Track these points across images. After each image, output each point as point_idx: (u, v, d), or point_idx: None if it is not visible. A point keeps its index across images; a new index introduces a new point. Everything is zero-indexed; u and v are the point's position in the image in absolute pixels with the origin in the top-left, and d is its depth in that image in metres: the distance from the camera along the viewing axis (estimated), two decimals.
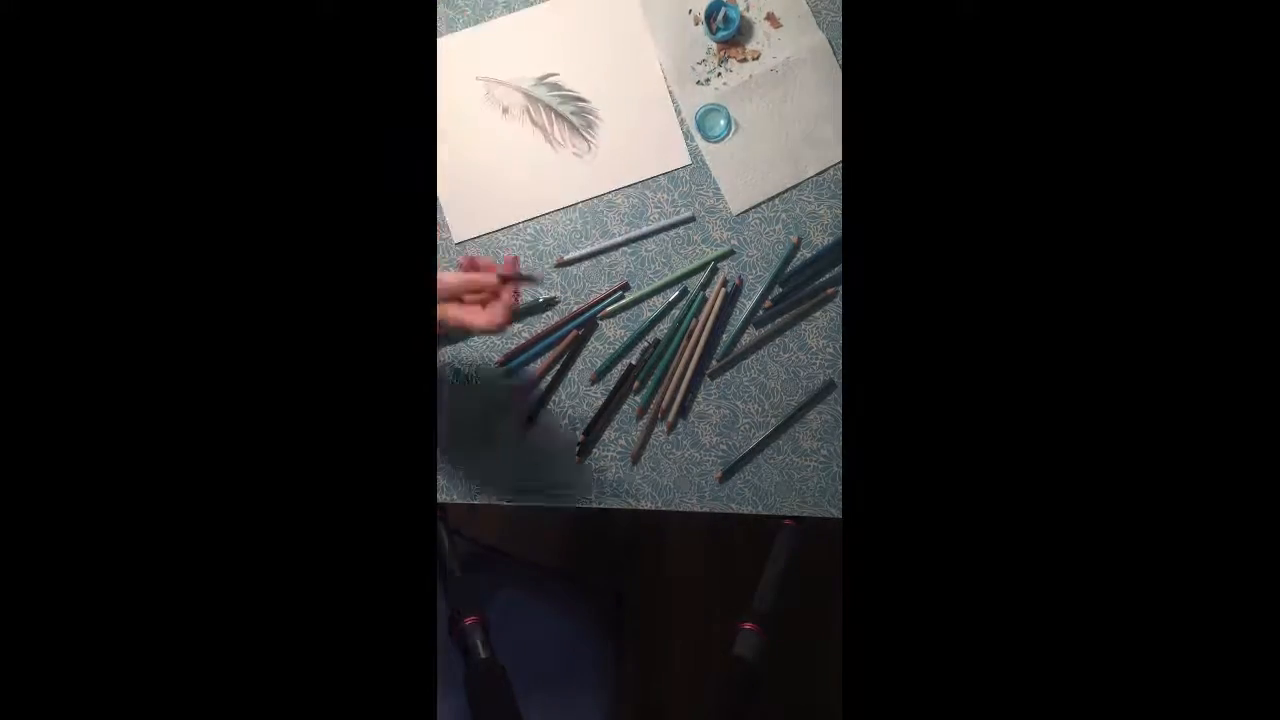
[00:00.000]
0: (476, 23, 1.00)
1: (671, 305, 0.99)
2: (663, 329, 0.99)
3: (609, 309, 0.98)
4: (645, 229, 0.99)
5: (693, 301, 0.98)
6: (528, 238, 0.99)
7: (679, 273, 0.99)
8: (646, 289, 0.99)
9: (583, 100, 0.99)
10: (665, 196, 0.99)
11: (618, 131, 0.99)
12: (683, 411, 0.98)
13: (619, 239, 0.99)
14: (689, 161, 0.99)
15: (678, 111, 0.99)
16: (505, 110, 0.99)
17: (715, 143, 0.99)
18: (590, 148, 0.99)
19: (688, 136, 0.99)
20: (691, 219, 0.99)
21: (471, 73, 1.00)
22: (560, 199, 0.99)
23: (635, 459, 0.98)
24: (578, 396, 0.99)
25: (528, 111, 0.99)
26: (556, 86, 0.99)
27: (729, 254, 0.99)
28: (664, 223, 0.99)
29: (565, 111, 0.99)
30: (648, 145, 0.99)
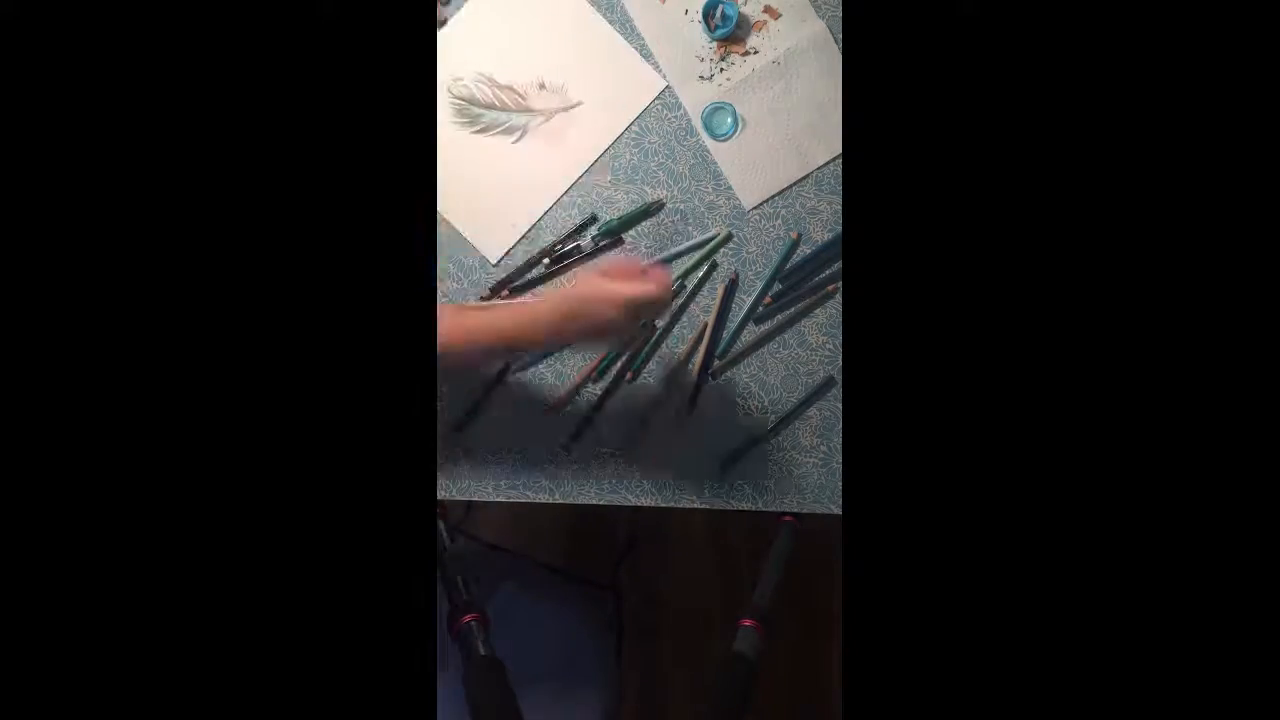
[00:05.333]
0: None
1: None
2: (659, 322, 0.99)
3: None
4: (677, 248, 0.99)
5: (687, 289, 0.98)
6: (564, 217, 0.99)
7: (679, 271, 0.99)
8: None
9: (544, 82, 0.99)
10: (665, 193, 0.99)
11: (587, 86, 0.99)
12: (691, 410, 0.98)
13: (647, 263, 0.98)
14: (665, 84, 0.98)
15: (634, 46, 0.99)
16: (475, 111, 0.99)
17: (723, 140, 0.99)
18: (574, 103, 0.99)
19: (687, 131, 0.99)
20: (730, 237, 0.99)
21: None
22: (568, 170, 0.99)
23: (630, 453, 0.98)
24: (582, 394, 0.99)
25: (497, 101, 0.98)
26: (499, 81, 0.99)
27: (728, 238, 0.99)
28: (697, 239, 0.99)
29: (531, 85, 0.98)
30: (623, 88, 0.99)
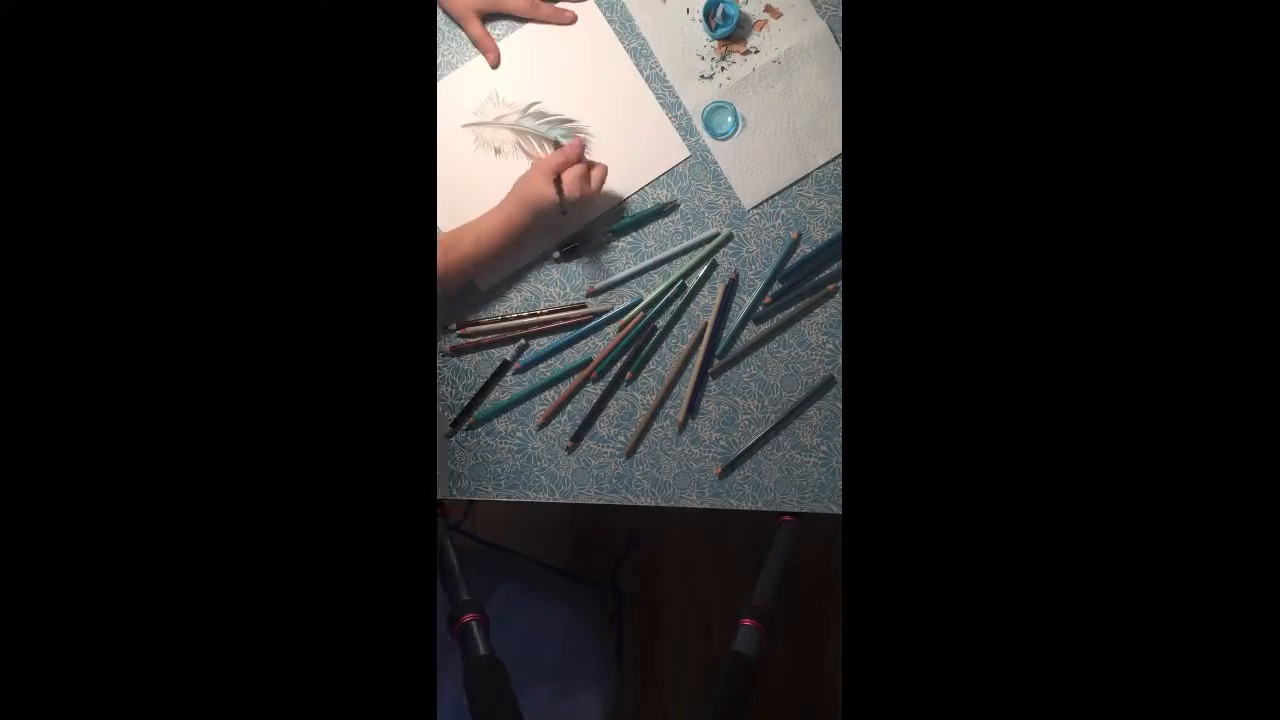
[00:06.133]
0: (445, 71, 0.99)
1: (670, 298, 0.99)
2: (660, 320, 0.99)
3: (626, 321, 0.99)
4: (675, 248, 0.99)
5: (687, 289, 0.98)
6: (556, 269, 0.99)
7: (680, 271, 0.99)
8: (654, 292, 0.98)
9: (570, 120, 0.99)
10: (665, 194, 0.99)
11: (612, 142, 0.99)
12: (691, 410, 0.98)
13: (648, 262, 0.99)
14: (688, 154, 0.99)
15: (666, 109, 0.99)
16: (498, 151, 0.99)
17: (723, 140, 0.98)
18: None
19: (686, 131, 0.99)
20: (730, 237, 0.99)
21: (456, 121, 0.99)
22: (573, 224, 0.99)
23: (630, 452, 0.98)
24: (580, 394, 0.99)
25: (520, 146, 0.98)
26: (542, 114, 0.99)
27: (729, 238, 0.99)
28: (697, 238, 0.99)
29: (556, 136, 0.98)
30: (645, 148, 0.99)
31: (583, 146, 0.93)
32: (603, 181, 0.94)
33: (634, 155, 0.99)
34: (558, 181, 0.91)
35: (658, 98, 0.99)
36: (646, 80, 0.99)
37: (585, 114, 0.99)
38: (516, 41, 0.99)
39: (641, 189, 0.99)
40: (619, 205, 0.99)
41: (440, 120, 0.98)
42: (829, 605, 1.66)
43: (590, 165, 0.93)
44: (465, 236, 0.93)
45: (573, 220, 0.97)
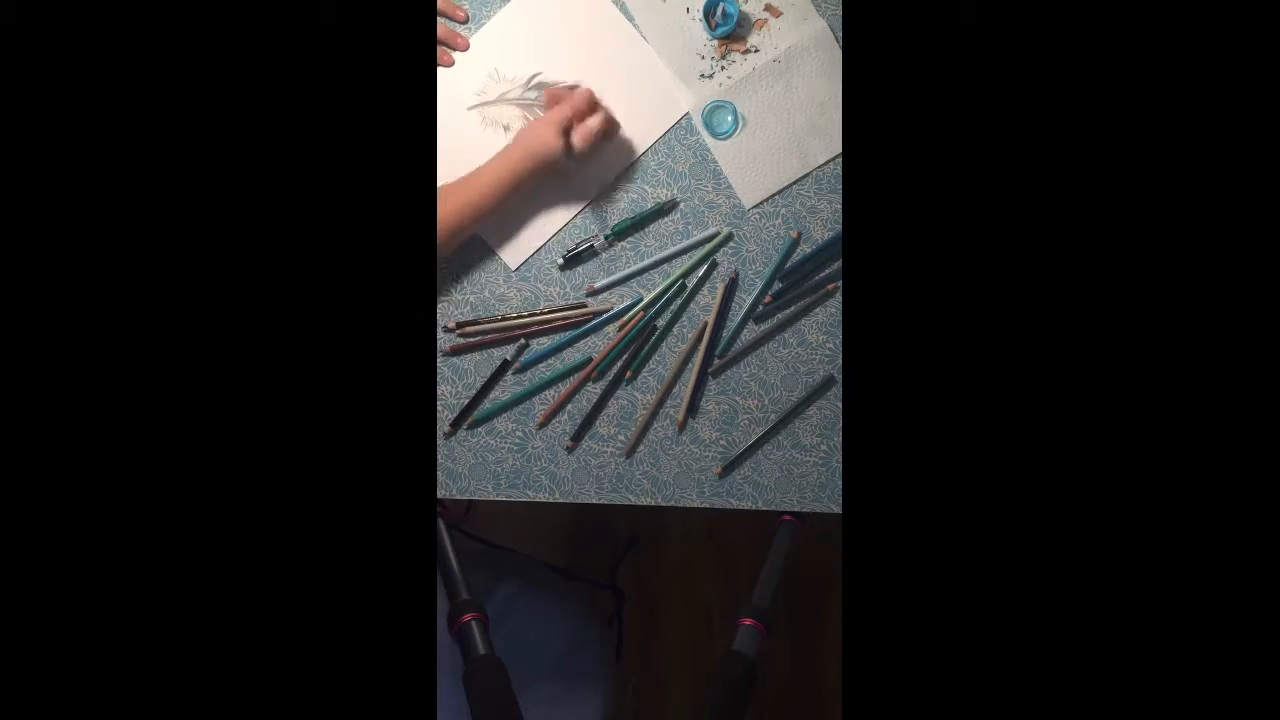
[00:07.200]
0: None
1: (670, 297, 0.99)
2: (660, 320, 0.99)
3: (626, 321, 0.98)
4: (674, 248, 0.99)
5: (687, 289, 0.98)
6: (579, 234, 0.99)
7: (680, 271, 0.99)
8: (654, 292, 0.98)
9: (574, 87, 0.98)
10: (665, 192, 0.99)
11: (617, 102, 0.98)
12: (691, 410, 0.98)
13: (647, 261, 0.99)
14: (688, 109, 0.98)
15: (667, 62, 0.98)
16: (506, 128, 0.99)
17: (723, 139, 0.98)
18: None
19: (689, 128, 0.99)
20: (730, 237, 0.99)
21: (460, 105, 0.99)
22: (592, 187, 0.99)
23: (630, 452, 0.98)
24: (582, 393, 0.99)
25: (528, 120, 0.98)
26: (545, 84, 0.98)
27: (729, 237, 0.99)
28: (697, 238, 0.99)
29: None
30: (649, 106, 0.99)
31: (591, 97, 0.93)
32: (614, 131, 0.94)
33: (640, 113, 0.99)
34: (566, 134, 0.90)
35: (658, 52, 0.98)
36: (643, 36, 0.98)
37: (588, 78, 0.98)
38: (510, 15, 0.99)
39: (652, 146, 0.99)
40: (634, 160, 0.99)
41: (443, 104, 0.98)
42: (829, 605, 1.66)
43: (601, 117, 0.92)
44: (466, 182, 0.92)
45: (584, 173, 0.96)
